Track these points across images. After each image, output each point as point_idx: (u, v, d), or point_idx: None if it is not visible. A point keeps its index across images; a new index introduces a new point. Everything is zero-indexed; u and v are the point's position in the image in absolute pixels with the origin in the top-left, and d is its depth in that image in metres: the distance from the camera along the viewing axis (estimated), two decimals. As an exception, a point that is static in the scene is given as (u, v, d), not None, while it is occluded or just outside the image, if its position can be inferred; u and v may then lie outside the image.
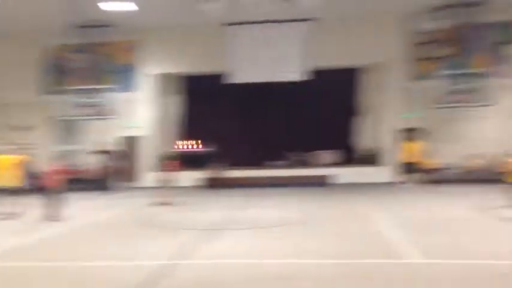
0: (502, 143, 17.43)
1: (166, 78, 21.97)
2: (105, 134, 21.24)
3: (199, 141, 22.22)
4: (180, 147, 22.14)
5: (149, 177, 20.87)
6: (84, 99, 19.78)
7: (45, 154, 21.20)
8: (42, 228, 10.46)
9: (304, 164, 21.10)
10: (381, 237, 8.65)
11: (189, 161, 21.82)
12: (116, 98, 20.51)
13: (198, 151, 22.02)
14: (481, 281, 5.92)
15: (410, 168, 17.88)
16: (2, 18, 19.48)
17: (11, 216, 11.81)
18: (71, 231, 10.13)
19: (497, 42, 19.86)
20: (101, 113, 19.76)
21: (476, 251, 7.36)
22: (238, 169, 20.68)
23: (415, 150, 17.80)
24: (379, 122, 20.41)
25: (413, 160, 17.74)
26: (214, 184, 19.56)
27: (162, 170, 14.89)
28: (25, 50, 21.44)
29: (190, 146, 22.29)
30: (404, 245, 7.85)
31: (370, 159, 20.42)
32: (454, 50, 19.73)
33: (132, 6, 17.97)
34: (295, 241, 8.51)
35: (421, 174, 18.21)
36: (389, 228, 9.33)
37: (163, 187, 14.33)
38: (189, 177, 20.54)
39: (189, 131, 22.54)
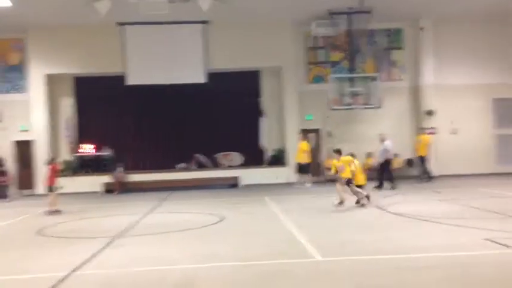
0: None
1: (58, 79, 20.85)
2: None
3: (96, 145, 21.33)
4: (77, 151, 21.11)
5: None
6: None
7: None
8: None
9: (213, 166, 21.18)
10: (286, 237, 8.92)
11: (86, 166, 21.00)
12: (4, 99, 19.15)
13: (95, 155, 21.15)
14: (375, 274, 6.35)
15: (305, 168, 18.62)
16: None
17: None
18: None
19: (384, 48, 21.49)
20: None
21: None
22: (142, 173, 20.26)
23: (307, 151, 18.51)
24: (283, 124, 21.06)
25: (307, 160, 18.46)
26: (116, 189, 19.00)
27: (46, 175, 14.11)
28: None
29: (86, 150, 21.32)
30: (309, 244, 8.13)
31: (277, 160, 21.03)
32: (345, 55, 21.03)
33: (6, 2, 16.77)
34: (200, 245, 8.53)
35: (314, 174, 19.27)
36: (296, 229, 9.64)
37: (52, 193, 13.66)
38: (87, 182, 19.83)
39: (84, 135, 21.57)
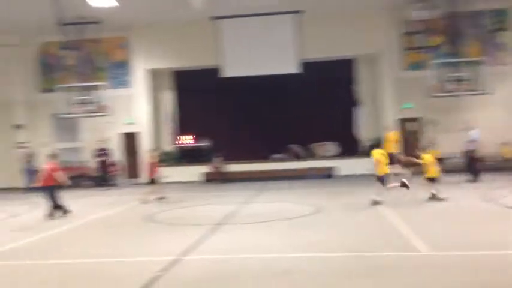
0: (498, 132, 17.69)
1: (158, 73, 21.93)
2: (103, 131, 21.30)
3: (194, 136, 22.21)
4: (177, 142, 22.13)
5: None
6: (79, 97, 19.68)
7: (45, 152, 21.42)
8: (46, 226, 10.47)
9: (307, 157, 21.12)
10: (391, 229, 8.69)
11: (186, 156, 21.96)
12: (111, 94, 20.48)
13: (194, 146, 22.03)
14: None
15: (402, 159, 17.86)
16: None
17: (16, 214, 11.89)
18: (76, 229, 10.15)
19: (490, 29, 20.02)
20: (97, 110, 19.68)
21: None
22: (239, 163, 20.71)
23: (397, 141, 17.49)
24: (380, 112, 20.48)
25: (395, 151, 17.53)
26: (214, 178, 19.63)
27: (150, 166, 14.78)
28: (22, 48, 21.55)
29: (186, 141, 22.29)
30: (414, 237, 7.85)
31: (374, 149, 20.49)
32: (445, 39, 19.85)
33: (113, 2, 17.84)
34: (300, 234, 8.56)
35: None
36: (399, 221, 9.36)
37: (154, 184, 14.27)
38: (187, 172, 20.68)
39: (184, 126, 22.52)
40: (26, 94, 21.78)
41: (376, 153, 11.91)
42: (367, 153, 20.51)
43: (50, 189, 11.82)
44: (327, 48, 20.05)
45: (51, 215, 11.62)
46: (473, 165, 15.45)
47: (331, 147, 21.31)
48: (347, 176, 19.25)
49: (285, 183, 17.65)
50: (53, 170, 11.95)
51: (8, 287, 6.12)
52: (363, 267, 6.29)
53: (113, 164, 21.10)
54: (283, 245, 7.70)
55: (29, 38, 21.57)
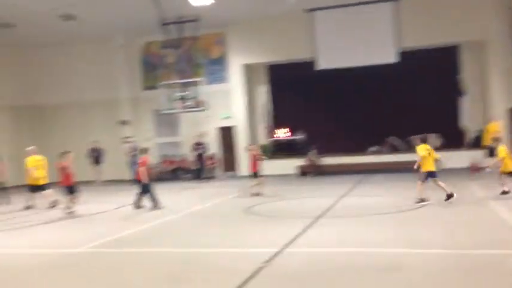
0: None
1: (253, 68, 22.20)
2: (201, 126, 22.05)
3: (290, 130, 22.26)
4: (272, 135, 22.31)
5: (245, 167, 21.45)
6: (179, 93, 20.49)
7: (148, 147, 22.68)
8: (151, 216, 11.00)
9: (407, 149, 20.30)
10: (501, 226, 8.09)
11: (281, 149, 22.08)
12: (209, 90, 21.10)
13: (289, 139, 22.09)
14: None
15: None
16: (100, 22, 20.84)
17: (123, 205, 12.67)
18: (179, 220, 10.57)
19: None
20: (195, 105, 20.37)
21: None
22: (335, 156, 20.42)
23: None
24: (488, 103, 19.17)
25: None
26: (309, 172, 19.54)
27: (252, 160, 14.66)
28: (127, 48, 22.91)
29: (281, 135, 22.42)
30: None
31: (480, 142, 19.28)
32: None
33: (209, 0, 18.34)
34: (402, 229, 8.22)
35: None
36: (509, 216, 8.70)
37: (256, 179, 14.29)
38: (282, 165, 20.76)
39: (279, 120, 22.63)
40: (131, 92, 23.12)
41: (421, 148, 10.99)
42: (472, 146, 19.42)
43: (140, 183, 12.26)
44: (427, 36, 19.09)
45: (137, 206, 12.18)
46: None
47: (432, 139, 20.24)
48: (450, 170, 18.20)
49: (382, 177, 17.12)
50: (141, 164, 12.40)
51: (115, 274, 6.46)
52: (468, 265, 5.89)
53: (210, 158, 21.76)
54: (385, 240, 7.43)
55: (132, 39, 22.86)
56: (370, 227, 8.54)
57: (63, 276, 6.45)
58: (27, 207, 13.49)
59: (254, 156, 14.54)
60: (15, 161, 17.43)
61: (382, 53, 19.57)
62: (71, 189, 11.72)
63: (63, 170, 11.76)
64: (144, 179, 12.18)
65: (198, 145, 20.81)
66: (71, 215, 11.59)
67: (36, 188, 13.36)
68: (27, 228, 10.57)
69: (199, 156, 20.75)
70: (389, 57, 19.47)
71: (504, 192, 10.98)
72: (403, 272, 5.80)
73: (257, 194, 13.99)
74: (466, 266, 5.90)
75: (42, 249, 8.25)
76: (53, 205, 12.89)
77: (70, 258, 7.47)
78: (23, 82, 23.89)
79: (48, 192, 13.23)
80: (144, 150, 13.19)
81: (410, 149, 20.10)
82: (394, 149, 20.45)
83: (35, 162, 13.49)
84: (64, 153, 12.04)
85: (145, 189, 12.24)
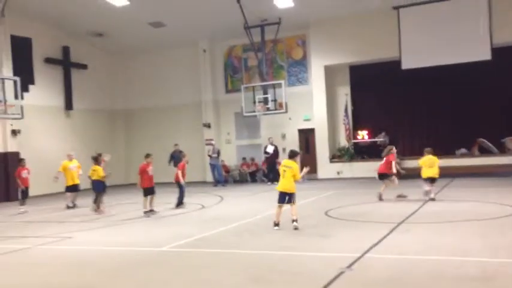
0: None
1: (335, 69, 21.91)
2: (281, 128, 22.15)
3: (370, 132, 21.72)
4: (353, 137, 21.89)
5: (326, 169, 21.25)
6: (260, 95, 20.71)
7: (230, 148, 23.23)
8: (231, 218, 11.18)
9: (499, 151, 19.13)
10: None
11: (362, 152, 21.59)
12: (290, 92, 21.13)
13: (370, 141, 21.56)
14: None
15: None
16: (185, 28, 21.64)
17: (206, 206, 13.03)
18: (257, 222, 10.64)
19: None
20: (276, 107, 20.48)
21: None
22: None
23: None
24: None
25: None
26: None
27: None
28: (211, 52, 23.57)
29: (361, 137, 21.95)
30: None
31: None
32: None
33: (289, 3, 18.48)
34: (495, 237, 7.72)
35: None
36: None
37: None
38: (364, 168, 20.32)
39: (360, 122, 22.16)
40: (213, 95, 23.72)
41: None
42: None
43: (178, 184, 13.28)
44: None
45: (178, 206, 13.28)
46: None
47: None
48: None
49: (471, 181, 16.21)
50: (180, 167, 13.33)
51: (199, 274, 6.62)
52: None
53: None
54: (477, 248, 7.00)
55: (216, 43, 23.48)
56: (458, 234, 8.10)
57: (151, 274, 6.71)
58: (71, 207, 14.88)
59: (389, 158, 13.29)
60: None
61: (473, 50, 18.56)
62: (149, 191, 12.32)
63: (143, 172, 12.39)
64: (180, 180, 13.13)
65: (269, 148, 20.80)
66: (147, 214, 12.15)
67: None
68: (113, 226, 11.16)
69: (270, 159, 20.78)
70: (482, 54, 18.42)
71: None
72: (496, 281, 5.44)
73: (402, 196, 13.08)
74: None
75: (129, 247, 8.65)
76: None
77: (155, 256, 7.77)
78: (115, 87, 25.41)
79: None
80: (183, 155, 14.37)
81: (503, 151, 18.97)
82: (485, 151, 19.30)
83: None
84: (146, 156, 12.64)
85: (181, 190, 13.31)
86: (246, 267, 6.69)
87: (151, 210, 12.31)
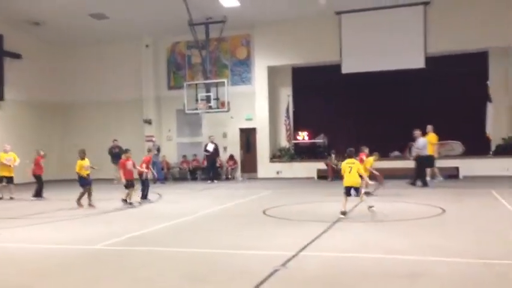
0: None
1: (277, 70, 22.20)
2: (223, 127, 22.16)
3: (310, 133, 22.17)
4: (293, 138, 22.26)
5: (266, 169, 21.49)
6: (203, 93, 20.64)
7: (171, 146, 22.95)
8: (169, 216, 11.10)
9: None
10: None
11: (302, 153, 22.00)
12: (233, 91, 21.18)
13: (310, 142, 22.01)
14: None
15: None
16: (128, 22, 21.18)
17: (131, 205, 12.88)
18: (195, 220, 10.62)
19: None
20: (218, 106, 20.48)
21: None
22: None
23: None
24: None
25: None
26: (329, 175, 19.43)
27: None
28: (154, 48, 23.18)
29: (302, 138, 22.36)
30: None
31: (506, 150, 18.98)
32: None
33: (234, 3, 18.58)
34: (424, 236, 8.10)
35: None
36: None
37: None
38: (303, 168, 20.73)
39: (300, 123, 22.56)
40: (156, 91, 23.38)
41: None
42: (498, 153, 19.06)
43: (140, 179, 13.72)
44: (456, 41, 18.92)
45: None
46: (418, 170, 15.84)
47: (455, 146, 19.98)
48: (474, 177, 17.94)
49: (404, 182, 16.88)
50: (144, 161, 13.78)
51: (135, 272, 6.53)
52: (493, 275, 5.76)
53: (230, 159, 21.87)
54: (406, 247, 7.32)
55: (159, 39, 23.15)
56: (388, 233, 8.43)
57: (81, 273, 6.54)
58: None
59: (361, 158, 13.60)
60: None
61: (410, 58, 19.42)
62: (128, 184, 12.94)
63: (123, 165, 12.98)
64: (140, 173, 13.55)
65: (209, 146, 20.79)
66: (131, 206, 12.71)
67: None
68: (47, 223, 10.78)
69: (210, 158, 20.78)
70: (417, 62, 19.30)
71: None
72: (421, 279, 5.72)
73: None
74: (491, 276, 5.78)
75: (62, 245, 8.38)
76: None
77: (88, 255, 7.57)
78: (54, 79, 24.45)
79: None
80: (149, 150, 14.90)
81: (441, 155, 19.88)
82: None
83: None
84: (125, 152, 13.46)
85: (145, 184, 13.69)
86: (182, 266, 6.66)
87: (129, 203, 12.76)
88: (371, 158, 13.68)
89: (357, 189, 10.23)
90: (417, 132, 16.15)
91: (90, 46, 24.03)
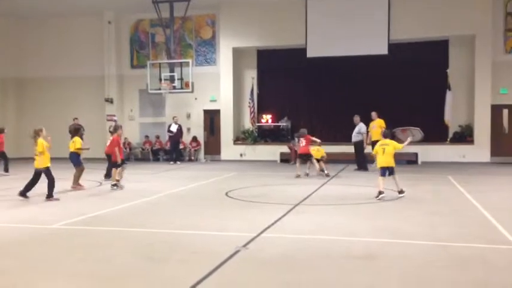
0: None
1: (243, 52, 22.07)
2: (187, 107, 21.94)
3: (274, 116, 22.23)
4: (257, 121, 22.26)
5: (229, 151, 21.46)
6: (167, 73, 20.33)
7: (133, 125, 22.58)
8: (127, 197, 10.95)
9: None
10: (479, 220, 8.20)
11: (264, 135, 22.07)
12: (197, 72, 20.95)
13: (274, 125, 22.08)
14: None
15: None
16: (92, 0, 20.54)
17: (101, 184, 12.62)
18: (157, 201, 10.53)
19: None
20: (182, 86, 20.24)
21: None
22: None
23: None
24: (472, 98, 19.40)
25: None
26: (292, 159, 19.58)
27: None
28: (116, 25, 22.60)
29: (265, 121, 22.39)
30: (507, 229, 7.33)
31: (463, 137, 19.57)
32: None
33: None
34: (382, 219, 8.29)
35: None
36: (490, 211, 8.81)
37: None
38: (266, 151, 20.81)
39: (265, 106, 22.57)
40: (118, 69, 22.87)
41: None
42: (455, 140, 19.66)
43: (109, 158, 13.22)
44: (418, 29, 19.27)
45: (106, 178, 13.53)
46: (359, 156, 16.59)
47: (415, 132, 20.43)
48: (432, 163, 18.45)
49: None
50: (114, 142, 12.88)
51: (92, 252, 6.43)
52: (447, 257, 5.96)
53: (193, 140, 21.73)
54: (365, 229, 7.49)
55: (122, 15, 22.57)
56: (346, 216, 8.59)
57: (35, 253, 6.39)
58: None
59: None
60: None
61: (373, 44, 19.64)
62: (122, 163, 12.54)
63: (118, 143, 12.70)
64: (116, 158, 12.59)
65: (173, 127, 20.58)
66: (114, 187, 12.18)
67: None
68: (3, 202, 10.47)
69: (174, 138, 20.60)
70: (380, 48, 19.55)
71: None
72: (376, 260, 5.86)
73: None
74: (446, 257, 5.97)
75: (19, 224, 8.16)
76: None
77: (44, 234, 7.40)
78: (8, 53, 23.52)
79: None
80: (115, 129, 13.37)
81: (400, 140, 20.31)
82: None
83: None
84: (116, 129, 13.02)
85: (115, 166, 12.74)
86: (141, 246, 6.59)
87: (118, 181, 12.26)
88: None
89: (392, 170, 10.48)
90: (356, 118, 16.81)
91: (48, 19, 23.21)
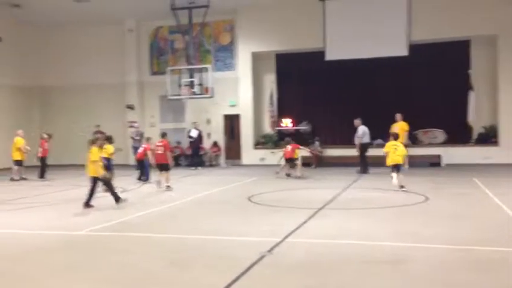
0: None
1: (261, 56, 22.08)
2: (206, 113, 22.03)
3: (294, 120, 22.15)
4: (277, 125, 22.23)
5: (250, 155, 21.48)
6: (186, 79, 20.46)
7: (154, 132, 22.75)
8: (154, 202, 11.04)
9: (412, 143, 20.18)
10: (506, 223, 8.06)
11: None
12: (216, 77, 21.02)
13: (294, 129, 22.01)
14: None
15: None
16: (111, 5, 20.82)
17: (126, 190, 12.73)
18: (182, 206, 10.59)
19: None
20: (202, 92, 20.33)
21: None
22: (338, 147, 20.35)
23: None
24: (496, 98, 19.11)
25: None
26: (313, 162, 19.50)
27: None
28: (137, 33, 22.87)
29: (285, 125, 22.32)
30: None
31: (487, 138, 19.27)
32: None
33: None
34: (406, 223, 8.21)
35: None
36: None
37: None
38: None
39: (284, 110, 22.50)
40: (138, 76, 23.10)
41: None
42: (479, 142, 19.35)
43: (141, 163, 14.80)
44: (439, 29, 19.01)
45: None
46: (362, 159, 16.61)
47: (438, 134, 20.22)
48: (456, 165, 18.18)
49: (386, 170, 17.02)
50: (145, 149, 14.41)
51: (119, 258, 6.49)
52: (466, 262, 5.87)
53: (214, 145, 21.81)
54: (388, 233, 7.42)
55: (142, 23, 22.82)
56: (372, 220, 8.52)
57: (64, 259, 6.48)
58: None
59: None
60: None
61: (393, 45, 19.49)
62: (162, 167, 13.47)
63: (152, 151, 13.97)
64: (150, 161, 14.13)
65: (193, 132, 20.67)
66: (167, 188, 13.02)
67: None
68: (29, 208, 10.64)
69: (194, 144, 20.69)
70: (400, 50, 19.39)
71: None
72: (402, 264, 5.80)
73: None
74: (470, 261, 5.88)
75: (42, 230, 8.28)
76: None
77: (71, 240, 7.50)
78: (31, 62, 23.95)
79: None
80: (148, 138, 15.56)
81: (415, 142, 20.11)
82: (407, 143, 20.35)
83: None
84: (163, 135, 14.46)
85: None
86: (166, 252, 6.64)
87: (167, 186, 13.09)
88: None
89: (399, 167, 11.74)
90: (357, 121, 16.91)
91: (71, 29, 23.57)
